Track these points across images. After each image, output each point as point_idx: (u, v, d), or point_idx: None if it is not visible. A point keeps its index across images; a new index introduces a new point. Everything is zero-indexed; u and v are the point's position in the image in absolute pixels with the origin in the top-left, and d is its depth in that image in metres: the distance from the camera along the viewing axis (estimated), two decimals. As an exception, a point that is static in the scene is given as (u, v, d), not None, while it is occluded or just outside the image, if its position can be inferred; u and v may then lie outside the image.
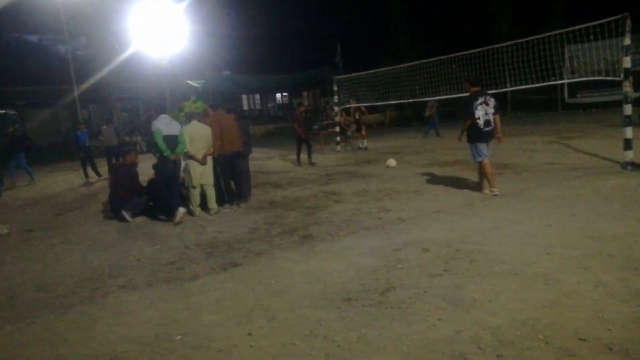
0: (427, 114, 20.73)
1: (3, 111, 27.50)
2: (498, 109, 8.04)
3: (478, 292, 4.25)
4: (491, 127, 7.97)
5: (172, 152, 8.12)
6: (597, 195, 7.50)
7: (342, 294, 4.46)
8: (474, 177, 9.77)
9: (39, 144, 24.79)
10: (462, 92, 13.78)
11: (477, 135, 7.96)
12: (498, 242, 5.61)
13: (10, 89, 26.03)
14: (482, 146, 7.98)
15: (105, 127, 15.05)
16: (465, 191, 8.58)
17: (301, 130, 14.04)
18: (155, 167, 8.48)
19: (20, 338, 4.17)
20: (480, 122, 7.88)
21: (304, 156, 14.37)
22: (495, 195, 7.97)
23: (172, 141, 8.17)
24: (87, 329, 4.25)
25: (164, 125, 8.17)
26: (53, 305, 4.86)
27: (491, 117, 7.93)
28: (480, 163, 8.09)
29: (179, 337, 3.92)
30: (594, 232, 5.67)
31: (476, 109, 7.87)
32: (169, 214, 8.12)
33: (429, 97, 15.70)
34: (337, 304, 4.27)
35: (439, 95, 15.52)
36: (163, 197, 8.20)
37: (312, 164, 14.05)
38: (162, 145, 8.06)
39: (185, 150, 8.31)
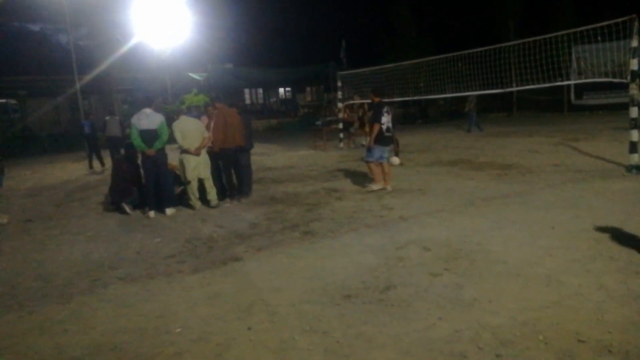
0: (466, 109, 20.11)
1: (4, 100, 27.51)
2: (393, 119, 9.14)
3: (478, 292, 4.25)
4: (390, 133, 9.03)
5: (148, 147, 7.90)
6: (601, 198, 7.46)
7: (342, 291, 4.45)
8: (477, 176, 9.78)
9: (39, 134, 24.76)
10: (469, 91, 13.84)
11: (380, 139, 8.79)
12: (500, 243, 5.59)
13: (12, 78, 25.87)
14: (381, 149, 8.82)
15: (108, 117, 15.02)
16: (468, 190, 8.56)
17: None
18: (141, 163, 8.33)
19: (20, 327, 4.18)
20: (384, 127, 8.77)
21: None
22: (373, 190, 8.87)
23: (150, 135, 7.93)
24: (86, 319, 4.26)
25: (141, 120, 7.93)
26: (53, 295, 4.87)
27: (390, 125, 8.92)
28: (369, 163, 8.96)
29: (178, 330, 3.92)
30: (596, 234, 5.65)
31: (382, 115, 8.75)
32: (158, 209, 8.11)
33: (434, 95, 15.55)
34: (337, 300, 4.27)
35: (445, 93, 15.41)
36: (150, 192, 8.10)
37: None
38: (136, 140, 7.90)
39: (178, 146, 8.27)
